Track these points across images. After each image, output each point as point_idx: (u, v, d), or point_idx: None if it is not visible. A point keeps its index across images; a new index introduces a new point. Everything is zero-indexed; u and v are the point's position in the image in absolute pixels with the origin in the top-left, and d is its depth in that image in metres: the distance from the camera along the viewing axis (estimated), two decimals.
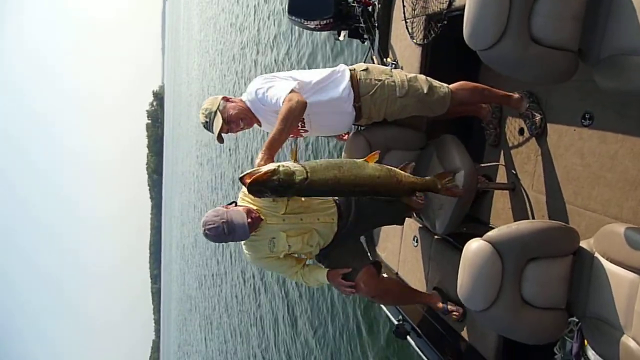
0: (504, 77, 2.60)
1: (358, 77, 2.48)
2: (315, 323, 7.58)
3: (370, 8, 3.44)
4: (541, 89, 2.56)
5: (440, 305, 2.69)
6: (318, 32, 5.97)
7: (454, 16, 2.67)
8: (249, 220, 2.29)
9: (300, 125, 2.53)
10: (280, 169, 1.84)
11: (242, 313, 12.98)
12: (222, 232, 2.25)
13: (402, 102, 2.48)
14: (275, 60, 11.00)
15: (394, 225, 3.12)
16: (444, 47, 2.93)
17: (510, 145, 2.80)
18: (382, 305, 3.29)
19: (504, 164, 2.83)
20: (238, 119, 2.51)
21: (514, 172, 2.74)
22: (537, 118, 2.52)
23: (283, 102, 2.24)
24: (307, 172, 1.86)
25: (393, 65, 3.06)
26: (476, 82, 2.69)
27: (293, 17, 3.53)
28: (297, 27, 5.19)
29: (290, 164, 1.88)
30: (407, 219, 2.91)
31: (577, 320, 1.92)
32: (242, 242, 2.47)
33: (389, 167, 2.02)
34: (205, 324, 21.08)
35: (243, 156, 13.86)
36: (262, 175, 1.83)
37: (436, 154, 2.57)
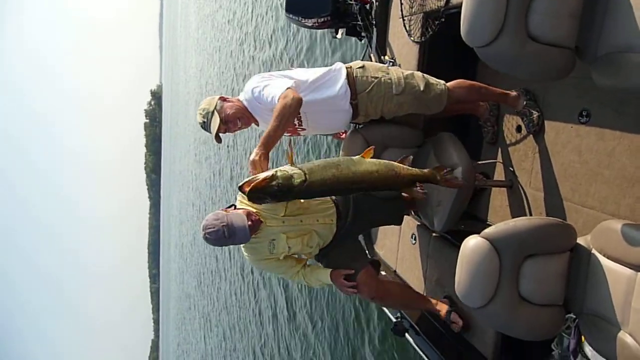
0: (502, 75, 2.60)
1: (354, 75, 2.48)
2: (313, 320, 7.60)
3: (367, 6, 3.44)
4: (538, 87, 2.57)
5: (444, 314, 2.66)
6: (316, 30, 5.96)
7: (452, 14, 2.67)
8: (249, 223, 2.29)
9: (297, 124, 2.53)
10: (278, 173, 1.83)
11: (241, 310, 12.99)
12: (222, 236, 2.25)
13: (398, 100, 2.48)
14: (273, 56, 10.98)
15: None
16: (442, 45, 2.94)
17: (507, 142, 2.80)
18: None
19: (501, 161, 2.84)
20: (235, 119, 2.50)
21: (512, 169, 2.75)
22: (535, 116, 2.53)
23: (278, 99, 2.24)
24: (305, 174, 1.85)
25: (391, 63, 3.06)
26: (473, 80, 2.69)
27: (290, 15, 3.53)
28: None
29: (287, 168, 1.87)
30: (405, 216, 2.91)
31: (574, 316, 1.93)
32: (242, 245, 2.47)
33: (386, 161, 2.01)
34: (204, 322, 21.08)
35: (241, 153, 13.85)
36: (261, 182, 1.82)
37: (433, 152, 2.58)
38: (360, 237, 3.10)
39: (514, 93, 2.61)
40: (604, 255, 1.77)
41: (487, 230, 1.87)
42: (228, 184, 15.62)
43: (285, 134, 2.62)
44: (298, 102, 2.23)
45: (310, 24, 3.54)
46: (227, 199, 15.32)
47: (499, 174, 2.87)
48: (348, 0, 3.43)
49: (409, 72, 2.56)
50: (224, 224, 2.24)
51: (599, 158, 2.20)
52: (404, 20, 3.09)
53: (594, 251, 1.81)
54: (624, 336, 1.65)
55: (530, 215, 2.59)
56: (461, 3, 1.96)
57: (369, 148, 1.98)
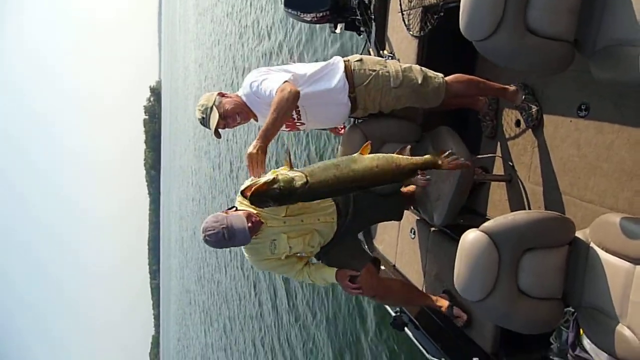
0: (501, 69, 2.60)
1: (352, 68, 2.48)
2: (313, 313, 7.63)
3: (366, 0, 3.43)
4: (537, 81, 2.56)
5: (446, 309, 2.66)
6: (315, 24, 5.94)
7: (450, 8, 2.66)
8: (249, 224, 2.28)
9: (296, 118, 2.53)
10: (280, 177, 1.83)
11: (241, 303, 13.01)
12: (222, 238, 2.24)
13: (396, 93, 2.48)
14: (272, 50, 10.93)
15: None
16: (441, 39, 2.93)
17: (506, 137, 2.80)
18: None
19: (500, 155, 2.84)
20: (234, 114, 2.50)
21: (511, 163, 2.75)
22: (534, 110, 2.53)
23: (276, 92, 2.23)
24: (306, 177, 1.84)
25: (389, 58, 3.06)
26: (472, 74, 2.69)
27: (289, 10, 3.51)
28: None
29: (288, 171, 1.87)
30: (404, 211, 2.91)
31: (572, 310, 1.94)
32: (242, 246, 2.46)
33: (385, 154, 1.99)
34: (204, 316, 21.14)
35: (240, 146, 13.83)
36: (262, 186, 1.81)
37: (432, 146, 2.57)
38: (360, 234, 3.10)
39: (512, 87, 2.61)
40: (602, 249, 1.77)
41: (486, 224, 1.88)
42: (228, 179, 15.63)
43: (285, 130, 2.62)
44: (295, 95, 2.22)
45: (309, 19, 3.53)
46: (226, 193, 15.34)
47: (498, 168, 2.87)
48: None
49: (407, 65, 2.55)
50: (224, 226, 2.23)
51: (598, 152, 2.20)
52: (402, 14, 3.08)
53: (592, 245, 1.82)
54: (623, 329, 1.66)
55: (529, 209, 2.60)
56: None
57: (365, 144, 1.96)
